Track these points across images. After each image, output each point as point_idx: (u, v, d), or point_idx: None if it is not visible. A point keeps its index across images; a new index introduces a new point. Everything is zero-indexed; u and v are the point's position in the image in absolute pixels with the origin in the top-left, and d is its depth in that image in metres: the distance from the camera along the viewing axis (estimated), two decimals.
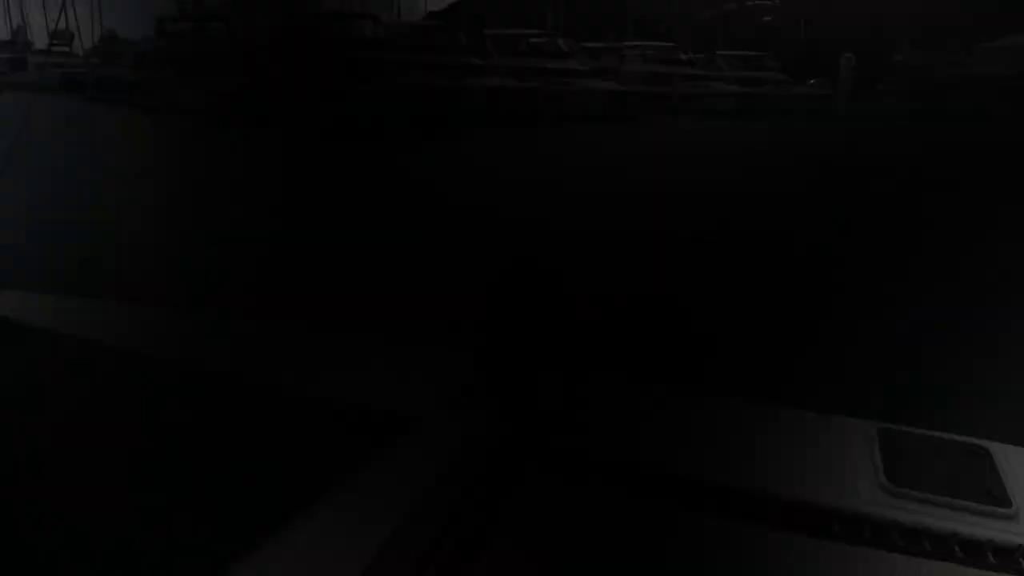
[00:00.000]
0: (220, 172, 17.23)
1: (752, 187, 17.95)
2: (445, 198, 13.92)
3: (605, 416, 3.63)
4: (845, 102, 21.35)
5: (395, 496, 2.63)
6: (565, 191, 15.46)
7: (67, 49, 61.21)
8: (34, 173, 14.00)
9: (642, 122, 38.86)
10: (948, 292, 8.32)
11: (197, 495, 3.82)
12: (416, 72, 33.16)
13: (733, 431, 3.58)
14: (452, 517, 2.69)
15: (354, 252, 9.93)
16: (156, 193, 14.35)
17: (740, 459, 3.32)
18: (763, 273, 9.52)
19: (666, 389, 4.16)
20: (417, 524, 2.58)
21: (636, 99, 43.46)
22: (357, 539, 2.43)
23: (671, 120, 41.17)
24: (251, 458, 3.92)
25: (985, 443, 3.60)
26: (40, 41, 63.98)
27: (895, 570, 2.70)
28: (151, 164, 18.21)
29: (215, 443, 4.09)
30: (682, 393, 4.10)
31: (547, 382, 3.79)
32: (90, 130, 26.26)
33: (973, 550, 2.88)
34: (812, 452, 3.43)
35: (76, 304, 4.96)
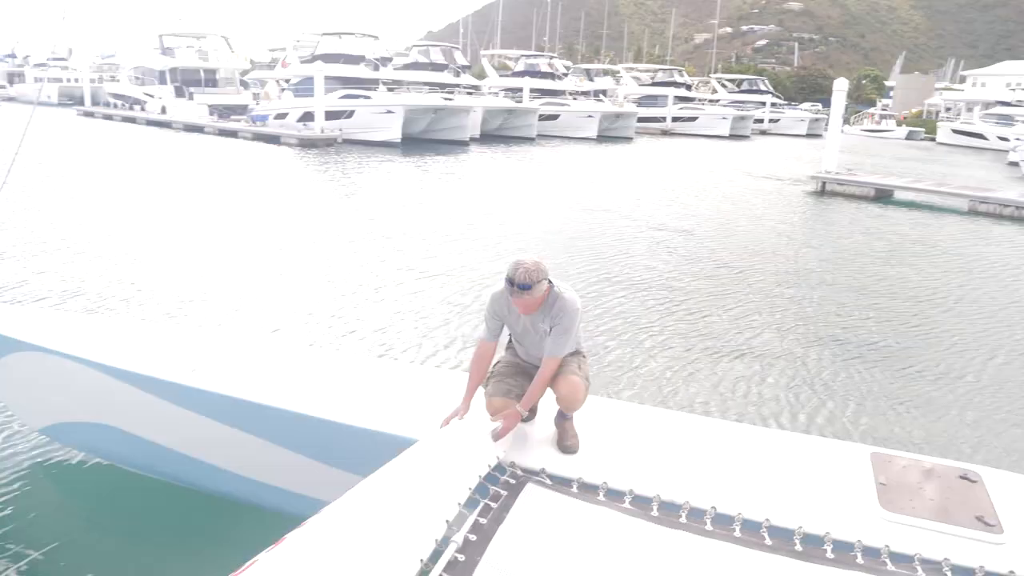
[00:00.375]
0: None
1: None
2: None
3: (601, 438, 3.64)
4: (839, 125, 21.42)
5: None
6: None
7: (65, 63, 61.57)
8: None
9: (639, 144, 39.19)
10: None
11: None
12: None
13: (722, 453, 3.59)
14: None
15: None
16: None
17: (731, 483, 3.33)
18: None
19: (661, 413, 4.19)
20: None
21: (632, 120, 43.93)
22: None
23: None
24: None
25: (977, 468, 3.61)
26: (38, 55, 64.41)
27: None
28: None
29: None
30: (676, 416, 4.11)
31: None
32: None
33: None
34: (805, 476, 3.44)
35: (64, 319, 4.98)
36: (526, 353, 3.63)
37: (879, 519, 3.16)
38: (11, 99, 55.12)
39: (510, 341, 3.74)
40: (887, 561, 2.94)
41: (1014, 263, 13.14)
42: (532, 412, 3.64)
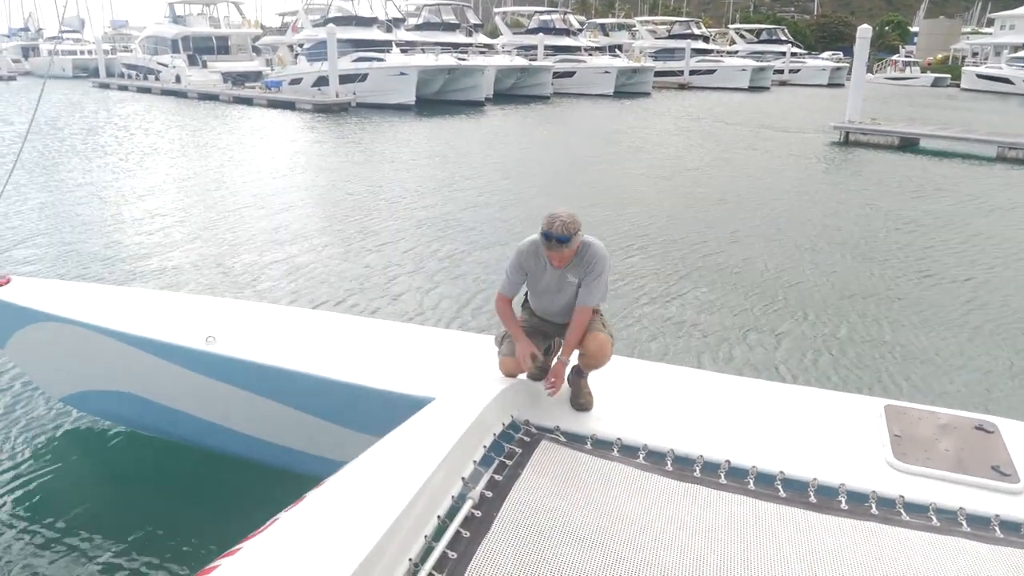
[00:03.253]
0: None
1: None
2: None
3: (615, 395, 3.66)
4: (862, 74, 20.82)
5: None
6: None
7: (78, 35, 61.53)
8: None
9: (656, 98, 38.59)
10: None
11: None
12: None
13: (736, 408, 3.59)
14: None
15: None
16: None
17: (745, 436, 3.34)
18: None
19: (675, 369, 4.20)
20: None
21: (649, 75, 43.22)
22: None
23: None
24: None
25: (994, 419, 3.59)
26: (51, 28, 64.44)
27: (901, 544, 2.71)
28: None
29: None
30: (689, 373, 4.12)
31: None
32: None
33: (980, 525, 2.89)
34: (819, 429, 3.44)
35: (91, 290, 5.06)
36: (544, 309, 3.62)
37: (893, 470, 3.16)
38: (27, 73, 55.32)
39: (525, 300, 3.74)
40: (901, 511, 2.95)
41: None
42: (547, 370, 3.64)
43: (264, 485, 4.08)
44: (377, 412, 3.53)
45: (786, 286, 8.36)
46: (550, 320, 3.63)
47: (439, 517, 2.53)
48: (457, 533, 2.50)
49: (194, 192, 13.37)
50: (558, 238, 3.25)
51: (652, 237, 10.44)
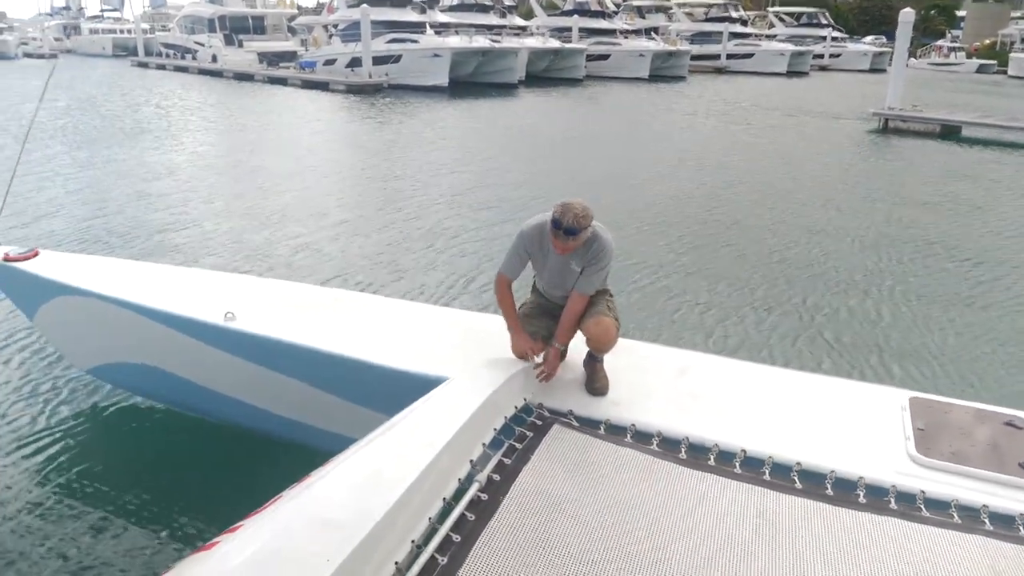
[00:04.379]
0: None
1: None
2: None
3: (630, 381, 3.61)
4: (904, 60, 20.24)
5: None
6: None
7: (118, 14, 62.32)
8: None
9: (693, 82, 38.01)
10: None
11: None
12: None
13: (753, 396, 3.51)
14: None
15: None
16: None
17: (762, 425, 3.26)
18: None
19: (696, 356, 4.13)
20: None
21: (685, 58, 42.58)
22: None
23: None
24: None
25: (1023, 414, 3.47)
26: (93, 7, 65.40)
27: (921, 541, 2.64)
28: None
29: None
30: (706, 359, 4.04)
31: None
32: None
33: (1004, 524, 2.79)
34: (839, 420, 3.36)
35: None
36: (549, 291, 3.58)
37: (915, 464, 3.07)
38: (69, 51, 56.19)
39: (534, 282, 3.70)
40: (922, 507, 2.86)
41: None
42: (563, 353, 3.59)
43: (273, 459, 4.13)
44: (390, 390, 3.52)
45: (812, 272, 8.21)
46: (554, 301, 3.59)
47: (444, 499, 2.51)
48: (462, 516, 2.48)
49: (224, 171, 13.51)
50: (567, 229, 3.18)
51: (677, 222, 10.31)
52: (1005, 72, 54.27)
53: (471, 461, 2.74)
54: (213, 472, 4.31)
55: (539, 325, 3.53)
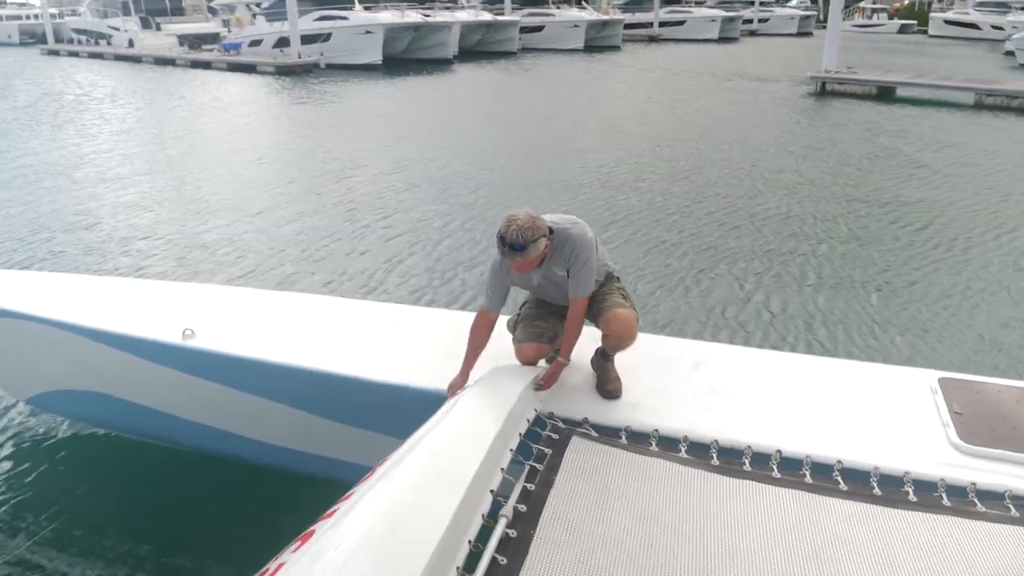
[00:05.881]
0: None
1: None
2: None
3: (642, 379, 3.33)
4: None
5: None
6: None
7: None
8: None
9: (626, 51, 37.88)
10: None
11: None
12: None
13: (776, 387, 3.26)
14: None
15: None
16: None
17: (792, 420, 3.02)
18: None
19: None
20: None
21: (618, 28, 42.39)
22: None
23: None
24: None
25: None
26: None
27: (984, 540, 2.44)
28: None
29: None
30: (716, 349, 3.79)
31: None
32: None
33: None
34: (872, 409, 3.14)
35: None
36: (552, 301, 3.28)
37: (961, 454, 2.87)
38: None
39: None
40: (975, 501, 2.66)
41: None
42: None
43: (254, 484, 3.73)
44: (383, 408, 3.18)
45: (778, 243, 8.09)
46: (559, 304, 3.27)
47: (470, 542, 2.17)
48: (493, 561, 2.15)
49: (155, 165, 12.66)
50: (511, 245, 2.82)
51: (621, 198, 10.08)
52: (926, 32, 55.72)
53: (492, 491, 2.41)
54: (192, 501, 3.85)
55: (544, 327, 3.21)
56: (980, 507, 2.63)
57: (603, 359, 3.23)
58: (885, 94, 20.19)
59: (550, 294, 3.23)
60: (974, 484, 2.71)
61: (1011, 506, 2.64)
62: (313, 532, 2.04)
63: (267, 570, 1.93)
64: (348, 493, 2.28)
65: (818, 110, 18.68)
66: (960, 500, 2.67)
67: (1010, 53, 33.04)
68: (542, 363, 3.24)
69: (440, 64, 30.66)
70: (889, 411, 3.13)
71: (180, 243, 8.22)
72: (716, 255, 7.70)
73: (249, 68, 28.95)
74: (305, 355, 3.35)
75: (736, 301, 6.56)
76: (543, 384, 3.12)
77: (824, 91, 20.83)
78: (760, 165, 11.98)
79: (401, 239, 8.24)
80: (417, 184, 10.68)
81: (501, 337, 3.26)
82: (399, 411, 3.11)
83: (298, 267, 7.43)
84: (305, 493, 3.51)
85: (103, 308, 3.72)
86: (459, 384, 3.12)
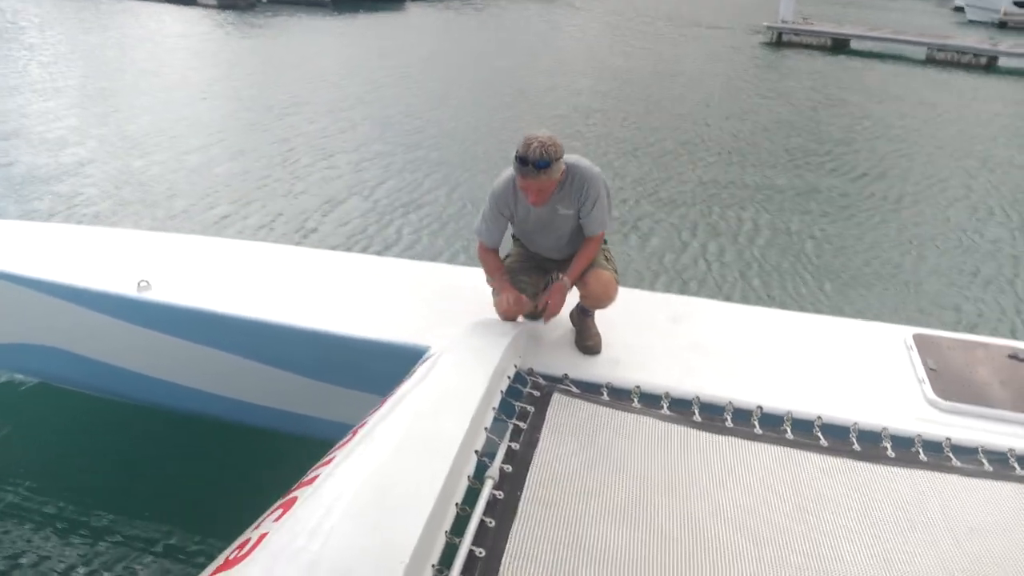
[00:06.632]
0: None
1: None
2: None
3: (620, 334, 3.27)
4: None
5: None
6: None
7: None
8: None
9: None
10: None
11: None
12: None
13: (754, 342, 3.24)
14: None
15: None
16: None
17: (772, 375, 3.00)
18: None
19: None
20: None
21: None
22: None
23: None
24: None
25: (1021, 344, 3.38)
26: None
27: (962, 493, 2.48)
28: None
29: None
30: (693, 303, 3.76)
31: None
32: None
33: None
34: (850, 364, 3.16)
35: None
36: (536, 247, 3.18)
37: (936, 410, 2.91)
38: None
39: (515, 236, 3.26)
40: (951, 456, 2.70)
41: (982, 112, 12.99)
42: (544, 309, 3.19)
43: (215, 442, 3.59)
44: (349, 363, 3.07)
45: (717, 189, 8.11)
46: (548, 256, 3.17)
47: (457, 505, 2.10)
48: (481, 524, 2.08)
49: (85, 100, 11.90)
50: (535, 163, 2.72)
51: (566, 142, 9.95)
52: None
53: (476, 451, 2.33)
54: (175, 466, 3.63)
55: (526, 282, 3.12)
56: (955, 461, 2.68)
57: (583, 315, 3.16)
58: (840, 46, 20.29)
59: (542, 240, 3.13)
60: (949, 439, 2.75)
61: (984, 460, 2.69)
62: (296, 499, 1.94)
63: (248, 540, 1.83)
64: (328, 457, 2.18)
65: (772, 61, 18.67)
66: (936, 455, 2.71)
67: (959, 9, 33.53)
68: (520, 317, 3.15)
69: (392, 3, 29.64)
70: (866, 367, 3.16)
71: (108, 182, 7.75)
72: (658, 202, 7.69)
73: (189, 1, 27.53)
74: (270, 308, 3.20)
75: (674, 249, 6.59)
76: (550, 304, 3.01)
77: (780, 41, 20.82)
78: (708, 112, 11.96)
79: (340, 181, 7.97)
80: (359, 124, 10.35)
81: (475, 286, 3.15)
82: (372, 367, 3.01)
83: (233, 208, 7.12)
84: (279, 451, 3.41)
85: (50, 258, 3.48)
86: (510, 290, 3.03)
